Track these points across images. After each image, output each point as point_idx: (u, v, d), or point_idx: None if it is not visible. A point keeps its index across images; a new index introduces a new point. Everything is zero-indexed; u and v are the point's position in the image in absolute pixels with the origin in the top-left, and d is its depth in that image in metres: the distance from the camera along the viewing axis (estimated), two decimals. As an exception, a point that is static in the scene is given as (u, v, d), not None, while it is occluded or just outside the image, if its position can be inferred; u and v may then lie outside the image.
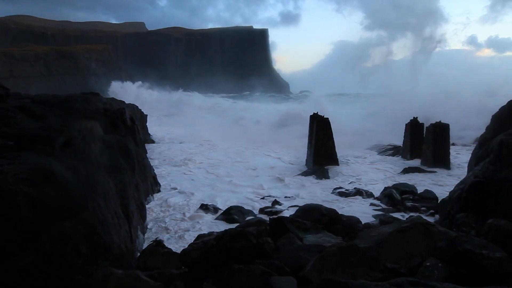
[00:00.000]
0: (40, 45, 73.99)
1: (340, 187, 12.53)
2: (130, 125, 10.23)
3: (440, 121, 16.88)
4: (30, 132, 5.35)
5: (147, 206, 9.19)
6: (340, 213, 7.54)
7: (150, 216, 9.33)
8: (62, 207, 4.07)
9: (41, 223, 3.78)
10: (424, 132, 17.93)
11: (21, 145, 4.81)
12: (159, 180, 12.37)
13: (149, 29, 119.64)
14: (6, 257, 3.49)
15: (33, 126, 6.01)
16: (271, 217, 6.33)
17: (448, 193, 7.59)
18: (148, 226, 8.48)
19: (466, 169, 11.05)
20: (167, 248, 6.49)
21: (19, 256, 3.54)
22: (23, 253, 3.57)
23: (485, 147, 7.66)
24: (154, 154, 18.57)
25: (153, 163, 13.80)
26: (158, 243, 6.86)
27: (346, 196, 11.36)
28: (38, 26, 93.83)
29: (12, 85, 10.90)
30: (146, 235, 7.75)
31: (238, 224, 7.85)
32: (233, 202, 11.15)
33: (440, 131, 16.60)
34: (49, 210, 3.90)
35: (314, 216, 6.68)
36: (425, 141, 17.35)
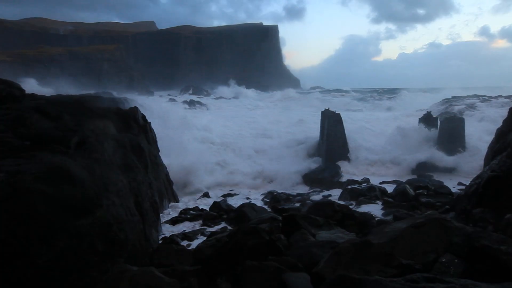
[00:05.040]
0: (53, 46, 75.39)
1: (353, 183, 12.43)
2: (142, 124, 10.31)
3: (455, 115, 16.57)
4: (46, 132, 5.45)
5: (160, 203, 9.27)
6: (353, 209, 7.48)
7: (163, 213, 9.42)
8: (78, 205, 4.15)
9: (58, 221, 3.86)
10: (438, 126, 17.63)
11: (37, 145, 4.91)
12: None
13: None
14: (24, 254, 3.57)
15: (48, 126, 6.11)
16: (283, 214, 6.32)
17: (464, 187, 7.44)
18: (162, 223, 8.57)
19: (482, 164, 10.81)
20: (180, 245, 6.56)
21: (37, 253, 3.62)
22: (40, 250, 3.65)
23: (502, 141, 7.48)
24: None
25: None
26: (172, 240, 6.94)
27: (359, 192, 11.26)
28: (51, 28, 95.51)
29: (27, 86, 11.19)
30: (160, 232, 7.83)
31: (250, 221, 7.87)
32: (245, 199, 11.19)
33: (455, 125, 16.29)
34: (65, 208, 3.97)
35: (326, 212, 6.65)
36: (439, 136, 17.06)
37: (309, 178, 14.03)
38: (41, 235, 3.70)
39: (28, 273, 3.54)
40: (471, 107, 28.69)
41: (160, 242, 7.06)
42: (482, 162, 9.55)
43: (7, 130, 5.26)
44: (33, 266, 3.58)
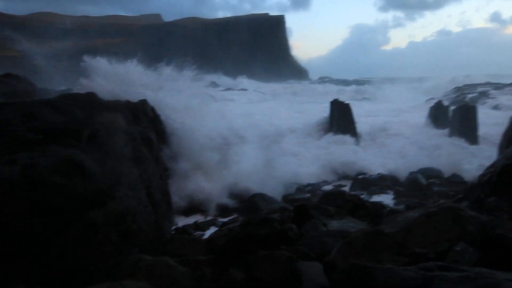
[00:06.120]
0: (61, 41, 75.87)
1: (363, 173, 12.34)
2: (151, 117, 10.37)
3: (467, 103, 16.30)
4: (57, 126, 5.52)
5: (172, 194, 9.34)
6: (364, 199, 7.45)
7: (175, 204, 9.50)
8: (92, 197, 4.21)
9: (73, 213, 3.93)
10: (450, 115, 17.36)
11: (49, 139, 4.97)
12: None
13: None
14: (41, 244, 3.65)
15: (59, 120, 6.19)
16: (294, 204, 6.33)
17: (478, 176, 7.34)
18: (174, 214, 8.66)
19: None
20: (193, 235, 6.64)
21: (53, 244, 3.70)
22: (56, 241, 3.73)
23: (516, 128, 7.33)
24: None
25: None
26: (185, 231, 7.02)
27: (369, 182, 11.21)
28: (58, 22, 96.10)
29: (37, 81, 11.40)
30: (172, 223, 7.92)
31: (262, 211, 7.90)
32: (255, 189, 11.14)
33: (467, 113, 16.02)
34: (79, 200, 4.04)
35: (337, 202, 6.62)
36: (450, 125, 16.82)
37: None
38: (57, 226, 3.77)
39: (45, 264, 3.62)
40: (484, 94, 28.18)
41: (173, 232, 7.14)
42: (495, 151, 9.39)
43: (20, 124, 5.34)
44: (50, 256, 3.66)
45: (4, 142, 4.50)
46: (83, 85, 10.88)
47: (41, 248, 3.65)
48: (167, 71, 15.28)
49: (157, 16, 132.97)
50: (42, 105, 6.70)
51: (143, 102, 10.23)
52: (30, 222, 3.64)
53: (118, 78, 11.77)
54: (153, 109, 10.70)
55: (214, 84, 68.87)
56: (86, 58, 12.02)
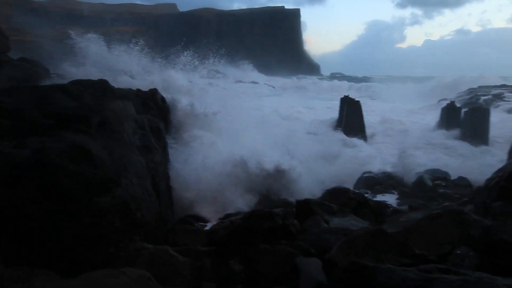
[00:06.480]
0: (77, 27, 76.37)
1: (369, 171, 12.26)
2: (161, 106, 10.42)
3: (480, 105, 16.02)
4: (69, 112, 5.59)
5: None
6: (368, 197, 7.42)
7: (179, 195, 9.56)
8: (98, 183, 4.28)
9: (81, 198, 4.00)
10: (462, 117, 17.09)
11: (60, 124, 5.04)
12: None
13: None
14: (48, 228, 3.73)
15: (71, 105, 6.25)
16: (297, 199, 6.34)
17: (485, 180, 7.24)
18: (178, 204, 8.72)
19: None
20: (195, 226, 6.70)
21: (61, 228, 3.78)
22: (63, 225, 3.81)
23: (528, 134, 7.20)
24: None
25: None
26: (187, 221, 7.09)
27: (374, 181, 11.14)
28: (76, 8, 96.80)
29: (52, 67, 11.33)
30: (175, 213, 7.99)
31: (264, 205, 7.92)
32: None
33: (479, 116, 15.75)
34: (87, 186, 4.11)
35: (341, 199, 6.62)
36: (462, 127, 16.56)
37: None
38: (66, 210, 3.85)
39: (50, 247, 3.70)
40: (498, 97, 27.60)
41: (175, 222, 7.21)
42: (505, 156, 9.26)
43: (32, 108, 5.42)
44: (56, 241, 3.73)
45: (15, 126, 4.59)
46: (66, 72, 8.57)
47: (49, 232, 3.73)
48: (185, 58, 12.71)
49: (173, 5, 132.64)
50: (55, 90, 6.78)
51: (154, 91, 10.29)
52: (37, 205, 3.72)
53: (115, 66, 9.31)
54: (163, 99, 10.75)
55: (225, 76, 68.53)
56: (74, 35, 9.30)
